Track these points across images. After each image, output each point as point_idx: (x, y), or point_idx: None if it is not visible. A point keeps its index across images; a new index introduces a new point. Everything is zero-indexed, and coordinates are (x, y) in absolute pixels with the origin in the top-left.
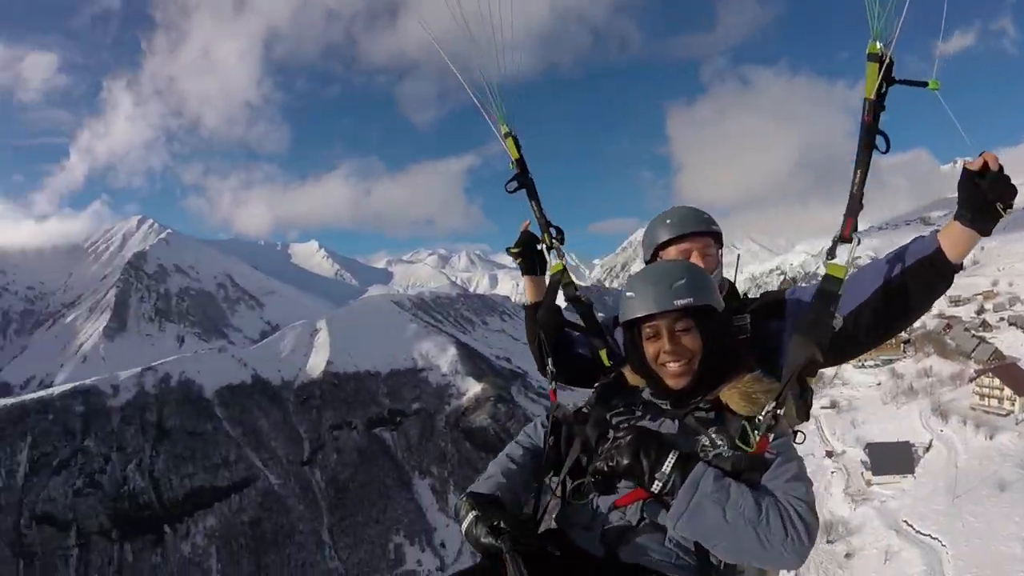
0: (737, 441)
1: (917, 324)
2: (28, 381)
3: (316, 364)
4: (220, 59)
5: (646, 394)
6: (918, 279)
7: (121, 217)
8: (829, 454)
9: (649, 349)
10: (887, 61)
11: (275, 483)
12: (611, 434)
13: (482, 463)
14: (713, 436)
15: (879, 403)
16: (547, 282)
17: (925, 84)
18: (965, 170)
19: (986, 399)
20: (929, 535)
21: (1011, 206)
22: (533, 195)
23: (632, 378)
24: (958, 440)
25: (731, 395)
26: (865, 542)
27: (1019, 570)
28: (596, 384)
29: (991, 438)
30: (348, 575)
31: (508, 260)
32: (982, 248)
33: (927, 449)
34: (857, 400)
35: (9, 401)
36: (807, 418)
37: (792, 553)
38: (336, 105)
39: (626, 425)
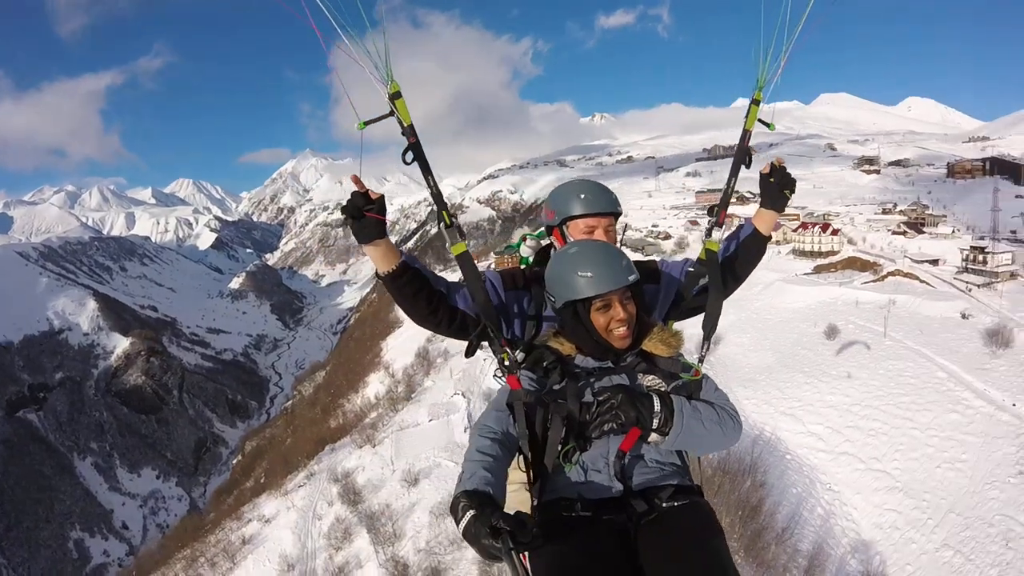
0: (681, 373)
1: None
2: None
3: None
4: None
5: (579, 360)
6: (749, 250)
7: None
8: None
9: (600, 319)
10: (760, 105)
11: None
12: (592, 400)
13: (145, 426)
14: (653, 377)
15: None
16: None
17: (769, 126)
18: (761, 173)
19: None
20: None
21: (794, 191)
22: (428, 169)
23: (566, 348)
24: None
25: (654, 344)
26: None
27: None
28: (545, 364)
29: None
30: None
31: (146, 195)
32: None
33: None
34: None
35: None
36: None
37: (737, 435)
38: None
39: (607, 389)
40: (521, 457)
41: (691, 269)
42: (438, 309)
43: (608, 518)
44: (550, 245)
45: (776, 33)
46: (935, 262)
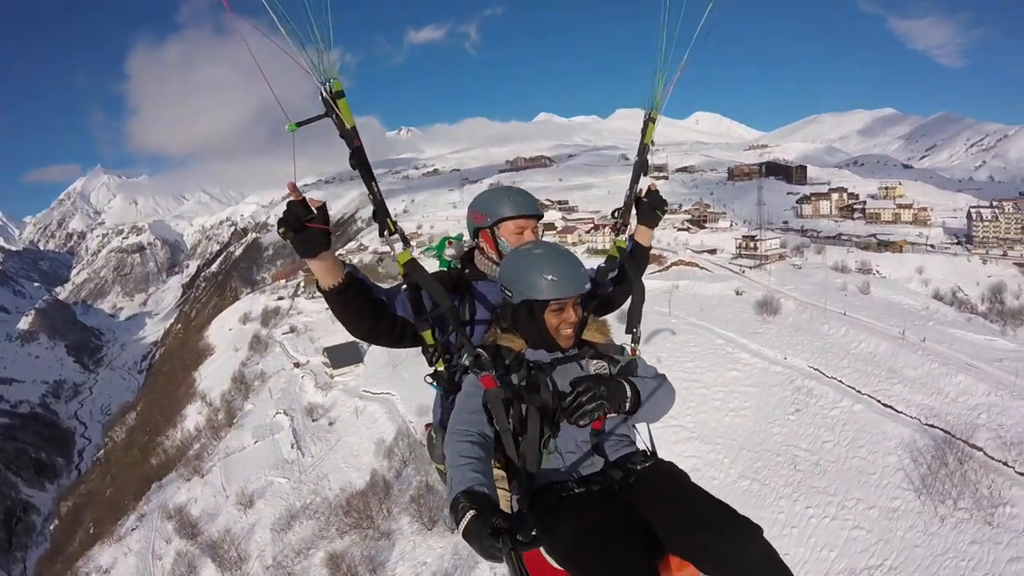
0: (618, 356)
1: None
2: None
3: None
4: None
5: (530, 354)
6: (637, 258)
7: None
8: (297, 365)
9: (552, 320)
10: (656, 120)
11: None
12: (571, 390)
13: None
14: (599, 361)
15: (329, 323)
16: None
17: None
18: (637, 197)
19: None
20: (382, 392)
21: (665, 211)
22: (372, 175)
23: (517, 344)
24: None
25: (593, 334)
26: (340, 412)
27: None
28: (507, 361)
29: None
30: None
31: None
32: (412, 200)
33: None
34: (312, 323)
35: None
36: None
37: (674, 400)
38: None
39: (584, 380)
40: (498, 454)
41: (602, 265)
42: (381, 321)
43: (599, 489)
44: (475, 248)
45: (669, 62)
46: (713, 251)
